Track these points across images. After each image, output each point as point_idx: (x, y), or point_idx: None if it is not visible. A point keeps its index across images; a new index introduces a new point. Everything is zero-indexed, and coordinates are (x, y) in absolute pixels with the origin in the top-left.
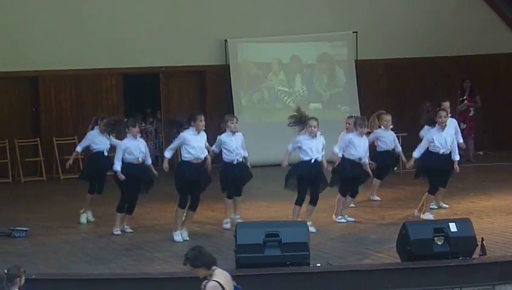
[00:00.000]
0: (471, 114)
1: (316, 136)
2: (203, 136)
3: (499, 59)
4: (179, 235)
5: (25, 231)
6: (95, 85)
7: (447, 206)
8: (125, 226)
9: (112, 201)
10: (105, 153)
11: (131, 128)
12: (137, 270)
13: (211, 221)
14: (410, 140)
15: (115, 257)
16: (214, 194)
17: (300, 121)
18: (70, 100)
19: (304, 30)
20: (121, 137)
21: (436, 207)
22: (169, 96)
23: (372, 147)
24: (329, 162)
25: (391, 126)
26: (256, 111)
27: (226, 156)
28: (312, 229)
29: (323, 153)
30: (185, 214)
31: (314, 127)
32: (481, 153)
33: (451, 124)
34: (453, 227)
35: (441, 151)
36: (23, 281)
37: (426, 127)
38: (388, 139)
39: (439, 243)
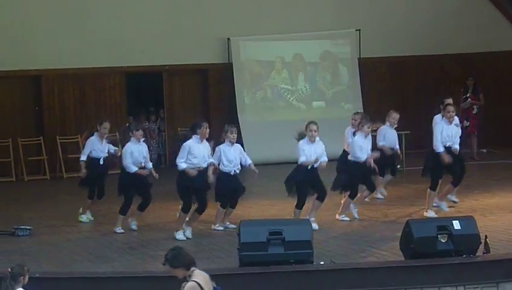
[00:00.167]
0: (474, 112)
1: (315, 140)
2: (206, 145)
3: (501, 57)
4: (181, 234)
5: (29, 229)
6: (98, 84)
7: (457, 201)
8: (132, 222)
9: (115, 200)
10: (101, 162)
11: (135, 132)
12: (141, 268)
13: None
14: (412, 138)
15: (118, 255)
16: None
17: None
18: (74, 99)
19: (306, 28)
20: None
21: (456, 201)
22: (172, 94)
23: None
24: (332, 160)
25: (396, 125)
26: (259, 109)
27: (224, 167)
28: (315, 225)
29: (326, 159)
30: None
31: (315, 131)
32: (484, 150)
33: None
34: (456, 225)
35: (447, 144)
36: (26, 279)
37: (437, 118)
38: (391, 136)
39: (443, 241)
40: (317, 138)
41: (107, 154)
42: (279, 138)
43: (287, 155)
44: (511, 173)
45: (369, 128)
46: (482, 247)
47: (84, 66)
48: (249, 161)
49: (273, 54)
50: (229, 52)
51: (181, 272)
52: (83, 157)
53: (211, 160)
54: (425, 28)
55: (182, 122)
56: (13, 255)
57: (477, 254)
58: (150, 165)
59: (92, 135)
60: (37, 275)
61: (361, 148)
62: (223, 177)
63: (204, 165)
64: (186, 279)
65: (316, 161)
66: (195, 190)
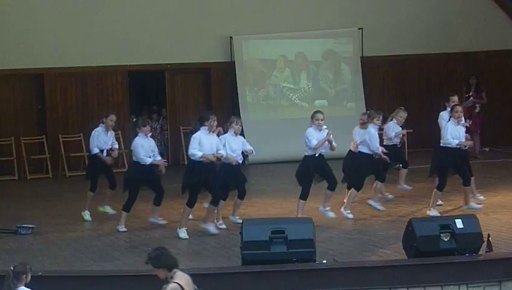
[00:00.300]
0: (477, 110)
1: (321, 129)
2: (214, 137)
3: (505, 55)
4: (184, 232)
5: (31, 228)
6: (101, 82)
7: (484, 198)
8: (158, 218)
9: (118, 198)
10: (104, 153)
11: (142, 127)
12: (143, 267)
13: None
14: (415, 136)
15: (121, 254)
16: None
17: None
18: (76, 97)
19: (309, 27)
20: None
21: (482, 199)
22: (174, 93)
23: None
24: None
25: (401, 124)
26: (262, 108)
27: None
28: (331, 214)
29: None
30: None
31: (321, 120)
32: (487, 149)
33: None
34: (459, 223)
35: (454, 144)
36: (29, 278)
37: (444, 115)
38: (398, 130)
39: (446, 240)
40: (324, 127)
41: (110, 147)
42: (281, 136)
43: (290, 154)
44: None
45: (378, 120)
46: (484, 246)
47: (86, 64)
48: (249, 147)
49: (275, 53)
50: (231, 50)
51: (163, 272)
52: (95, 151)
53: (222, 151)
54: (428, 26)
55: (184, 121)
56: (16, 253)
57: (479, 253)
58: (159, 158)
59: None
60: (39, 273)
61: (377, 140)
62: (225, 167)
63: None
64: (167, 280)
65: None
66: (206, 184)
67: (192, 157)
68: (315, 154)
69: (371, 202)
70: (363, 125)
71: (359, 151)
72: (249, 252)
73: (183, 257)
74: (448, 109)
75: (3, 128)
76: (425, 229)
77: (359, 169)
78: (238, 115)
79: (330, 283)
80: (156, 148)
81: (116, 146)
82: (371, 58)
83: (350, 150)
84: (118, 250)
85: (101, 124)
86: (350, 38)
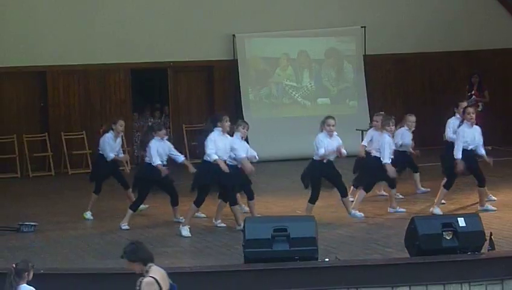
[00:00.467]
0: (479, 109)
1: (332, 135)
2: (228, 138)
3: (507, 54)
4: (187, 230)
5: (33, 225)
6: (103, 80)
7: (495, 198)
8: (180, 217)
9: (120, 197)
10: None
11: (158, 131)
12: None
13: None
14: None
15: None
16: None
17: None
18: (79, 95)
19: (312, 25)
20: None
21: (494, 199)
22: (177, 91)
23: None
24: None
25: (413, 128)
26: (264, 106)
27: (231, 159)
28: (359, 214)
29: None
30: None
31: (333, 126)
32: (489, 148)
33: (457, 121)
34: (461, 222)
35: (469, 147)
36: (31, 275)
37: (451, 122)
38: (408, 139)
39: (448, 238)
40: (335, 133)
41: (116, 153)
42: (284, 134)
43: (292, 152)
44: None
45: (389, 126)
46: (487, 244)
47: (89, 62)
48: (254, 153)
49: (278, 51)
50: (234, 48)
51: (138, 267)
52: (111, 156)
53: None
54: (431, 25)
55: (187, 119)
56: (18, 251)
57: (482, 251)
58: (182, 157)
59: (108, 132)
60: (41, 271)
61: (388, 149)
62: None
63: (226, 158)
64: (143, 274)
65: (340, 151)
66: (221, 185)
67: (207, 158)
68: (323, 160)
69: (390, 209)
70: (378, 128)
71: (374, 156)
72: (251, 250)
73: (185, 255)
74: (457, 116)
75: (5, 126)
76: (428, 227)
77: (372, 172)
78: (240, 113)
79: (332, 281)
80: (172, 150)
81: (122, 155)
82: (374, 56)
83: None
84: (120, 248)
85: (111, 131)
86: (353, 37)
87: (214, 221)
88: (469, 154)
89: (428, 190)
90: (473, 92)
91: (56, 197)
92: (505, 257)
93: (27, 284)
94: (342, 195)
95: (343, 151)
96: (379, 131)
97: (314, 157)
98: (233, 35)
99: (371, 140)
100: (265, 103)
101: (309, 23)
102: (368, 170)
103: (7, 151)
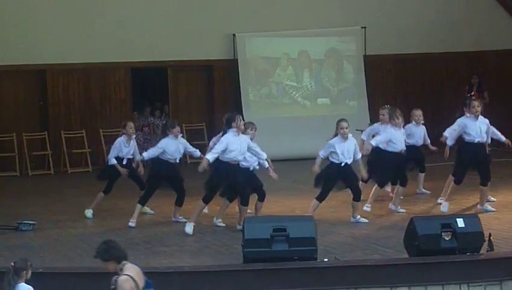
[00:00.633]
0: None
1: (347, 138)
2: (244, 138)
3: (507, 55)
4: (191, 227)
5: (32, 224)
6: (103, 79)
7: (494, 199)
8: (179, 217)
9: (121, 196)
10: (124, 162)
11: (171, 129)
12: (144, 264)
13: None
14: None
15: None
16: None
17: None
18: (78, 94)
19: (312, 25)
20: None
21: (493, 200)
22: (177, 90)
23: None
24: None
25: (422, 121)
26: (264, 106)
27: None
28: (364, 219)
29: (359, 156)
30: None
31: (346, 128)
32: (489, 148)
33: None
34: (460, 222)
35: (476, 140)
36: (29, 274)
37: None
38: (418, 134)
39: (447, 239)
40: (350, 135)
41: (131, 156)
42: (284, 134)
43: (292, 152)
44: None
45: (393, 120)
46: (486, 245)
47: (89, 61)
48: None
49: (278, 51)
50: (234, 48)
51: (112, 265)
52: (112, 162)
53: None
54: (431, 25)
55: (187, 118)
56: (17, 249)
57: (481, 252)
58: (198, 152)
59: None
60: (40, 270)
61: (396, 139)
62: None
63: (241, 159)
64: (117, 273)
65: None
66: (234, 185)
67: (221, 159)
68: (341, 163)
69: (391, 206)
70: (385, 121)
71: (386, 150)
72: (251, 249)
73: (184, 255)
74: (467, 115)
75: (5, 124)
76: (427, 228)
77: (386, 167)
78: (240, 112)
79: (331, 282)
80: (188, 146)
81: (138, 157)
82: (374, 56)
83: (376, 147)
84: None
85: (123, 135)
86: (353, 37)
87: (214, 219)
88: (477, 149)
89: (429, 192)
90: (472, 93)
91: (55, 196)
92: (503, 257)
93: (25, 283)
94: (355, 199)
95: (360, 153)
96: (385, 124)
97: (330, 160)
98: (234, 35)
99: (373, 135)
100: (265, 102)
101: (309, 23)
102: (382, 164)
103: (6, 150)
